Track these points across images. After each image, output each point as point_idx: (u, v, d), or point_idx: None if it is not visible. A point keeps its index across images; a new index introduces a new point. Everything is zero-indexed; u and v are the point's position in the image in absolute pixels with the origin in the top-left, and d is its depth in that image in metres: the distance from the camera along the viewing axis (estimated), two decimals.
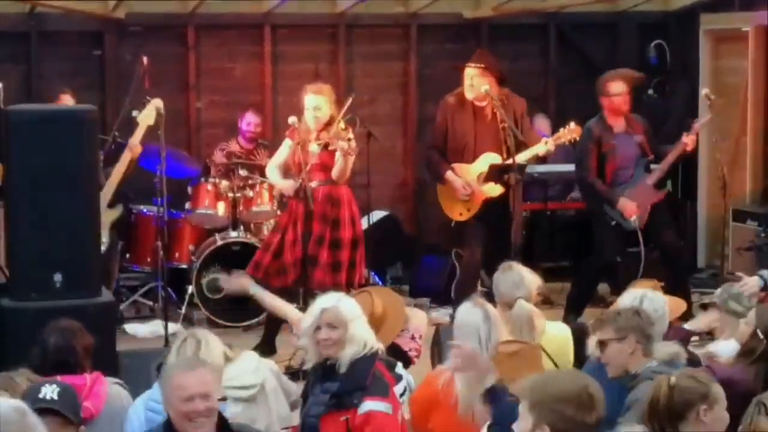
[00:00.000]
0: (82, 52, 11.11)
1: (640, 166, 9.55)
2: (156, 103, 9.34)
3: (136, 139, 9.42)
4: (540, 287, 6.58)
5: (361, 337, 5.48)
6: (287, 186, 8.85)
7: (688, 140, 9.46)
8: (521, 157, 9.16)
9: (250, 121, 10.72)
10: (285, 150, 8.89)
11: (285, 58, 11.50)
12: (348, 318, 5.50)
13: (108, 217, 9.35)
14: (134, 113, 9.35)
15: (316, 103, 8.68)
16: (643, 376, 5.17)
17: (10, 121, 7.03)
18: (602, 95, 9.60)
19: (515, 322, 6.08)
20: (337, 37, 11.63)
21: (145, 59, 9.75)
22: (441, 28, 11.90)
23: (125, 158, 9.44)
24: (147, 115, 9.30)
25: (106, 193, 9.33)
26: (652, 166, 9.59)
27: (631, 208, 9.41)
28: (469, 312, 5.67)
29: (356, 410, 5.27)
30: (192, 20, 11.26)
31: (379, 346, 5.59)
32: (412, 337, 6.39)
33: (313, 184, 8.65)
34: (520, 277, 6.44)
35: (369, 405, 5.29)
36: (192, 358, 5.05)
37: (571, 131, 9.30)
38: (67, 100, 9.58)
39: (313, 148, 8.63)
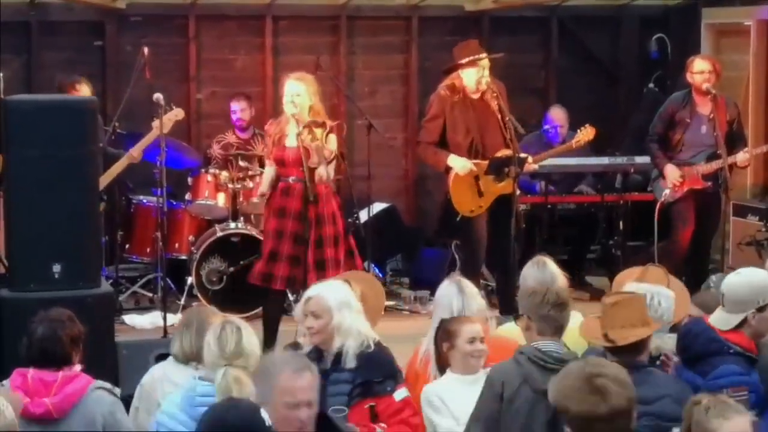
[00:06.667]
0: (82, 43, 11.09)
1: (704, 154, 9.51)
2: (177, 114, 9.38)
3: (139, 149, 9.41)
4: (566, 287, 6.57)
5: (352, 328, 5.54)
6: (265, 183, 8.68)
7: (742, 159, 9.41)
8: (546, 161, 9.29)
9: (235, 109, 10.65)
10: (268, 148, 8.73)
11: (286, 49, 11.48)
12: (332, 306, 5.58)
13: None
14: (153, 123, 9.28)
15: (297, 89, 8.45)
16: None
17: (9, 111, 7.03)
18: (686, 71, 9.52)
19: None
20: (338, 28, 11.62)
21: (145, 50, 9.74)
22: (442, 20, 11.89)
23: (123, 162, 9.46)
24: (164, 125, 9.32)
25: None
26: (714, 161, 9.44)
27: (675, 176, 9.40)
28: (445, 287, 6.09)
29: (385, 397, 5.40)
30: (193, 11, 11.26)
31: (375, 336, 5.66)
32: None
33: (291, 179, 8.45)
34: (551, 277, 6.42)
35: (403, 392, 5.48)
36: (299, 358, 4.67)
37: (587, 133, 9.36)
38: (83, 90, 9.54)
39: (305, 135, 8.32)
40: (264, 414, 4.21)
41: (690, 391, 4.91)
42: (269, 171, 8.68)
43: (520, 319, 5.46)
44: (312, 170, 8.37)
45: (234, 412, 4.24)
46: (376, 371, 5.47)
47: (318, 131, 8.40)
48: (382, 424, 5.48)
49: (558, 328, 5.28)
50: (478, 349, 5.67)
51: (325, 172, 8.41)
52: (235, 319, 5.35)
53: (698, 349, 5.47)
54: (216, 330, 5.19)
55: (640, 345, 5.12)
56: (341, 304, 5.62)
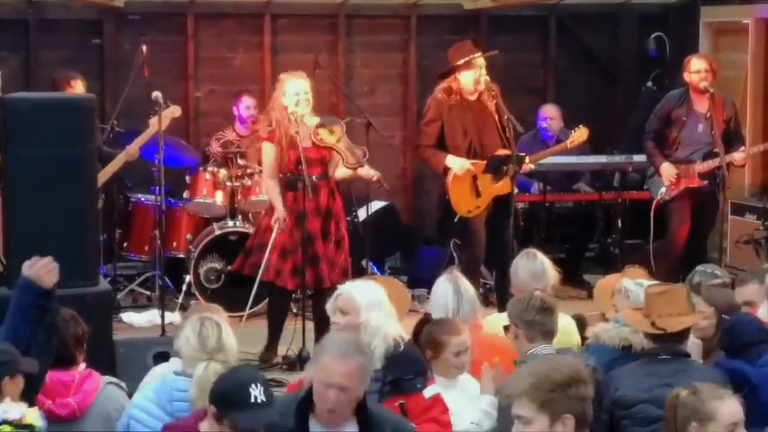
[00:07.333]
0: (81, 41, 11.09)
1: (700, 152, 9.49)
2: (174, 111, 9.35)
3: (136, 146, 9.39)
4: (557, 280, 6.58)
5: (379, 329, 5.49)
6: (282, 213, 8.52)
7: (739, 157, 9.41)
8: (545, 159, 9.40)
9: (248, 105, 10.58)
10: (272, 155, 8.51)
11: (285, 48, 11.48)
12: (361, 305, 5.55)
13: None
14: (150, 120, 9.27)
15: (306, 87, 8.41)
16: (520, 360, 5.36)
17: (7, 109, 7.02)
18: (684, 70, 9.50)
19: None
20: (337, 27, 11.62)
21: (144, 48, 9.74)
22: (441, 18, 11.88)
23: (120, 159, 9.44)
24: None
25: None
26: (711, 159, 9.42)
27: (671, 174, 9.37)
28: (441, 284, 6.13)
29: (415, 395, 5.38)
30: (191, 9, 11.25)
31: (405, 336, 5.62)
32: None
33: (315, 178, 8.38)
34: (542, 268, 6.46)
35: (433, 389, 5.46)
36: (349, 345, 4.72)
37: (581, 133, 9.38)
38: (78, 87, 9.55)
39: (325, 135, 8.35)
40: (254, 389, 4.34)
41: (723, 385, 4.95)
42: (273, 186, 8.57)
43: (509, 329, 5.54)
44: (319, 168, 8.43)
45: (222, 382, 4.46)
46: (406, 369, 5.43)
47: (337, 129, 8.42)
48: None
49: (546, 332, 5.35)
50: (463, 362, 5.72)
51: (371, 170, 8.62)
52: (213, 315, 5.39)
53: (746, 339, 5.64)
54: (195, 325, 5.21)
55: (685, 333, 5.35)
56: (371, 304, 5.57)
